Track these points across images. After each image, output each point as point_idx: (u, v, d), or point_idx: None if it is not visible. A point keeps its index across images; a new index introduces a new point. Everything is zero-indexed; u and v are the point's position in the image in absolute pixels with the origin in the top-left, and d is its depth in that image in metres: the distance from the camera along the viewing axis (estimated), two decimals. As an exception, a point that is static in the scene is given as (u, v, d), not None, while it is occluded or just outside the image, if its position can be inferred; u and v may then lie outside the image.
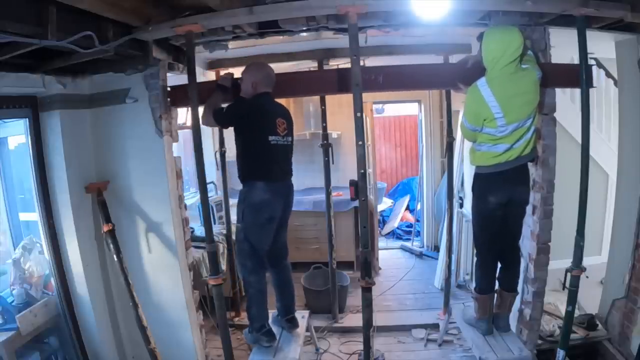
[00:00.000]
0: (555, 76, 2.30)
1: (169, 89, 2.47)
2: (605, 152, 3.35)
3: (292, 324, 2.70)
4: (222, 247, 3.39)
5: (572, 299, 2.16)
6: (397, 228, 6.31)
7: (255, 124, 2.37)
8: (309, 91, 3.04)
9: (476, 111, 2.18)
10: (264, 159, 2.39)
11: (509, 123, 2.13)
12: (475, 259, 2.60)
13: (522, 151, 2.21)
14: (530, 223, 2.46)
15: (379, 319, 3.13)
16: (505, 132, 2.15)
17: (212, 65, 3.31)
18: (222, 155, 3.41)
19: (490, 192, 2.29)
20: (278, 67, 4.12)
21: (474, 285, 2.51)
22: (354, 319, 3.52)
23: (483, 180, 2.33)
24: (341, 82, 2.39)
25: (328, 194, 3.44)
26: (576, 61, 2.10)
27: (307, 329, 2.94)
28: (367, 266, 2.03)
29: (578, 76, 2.06)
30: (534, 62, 2.22)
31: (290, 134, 2.50)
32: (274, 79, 2.45)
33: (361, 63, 2.07)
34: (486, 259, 2.46)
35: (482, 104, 2.14)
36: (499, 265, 2.48)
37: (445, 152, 3.54)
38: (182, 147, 4.07)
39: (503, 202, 2.29)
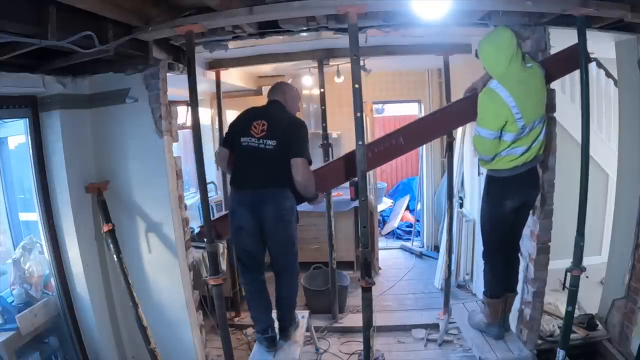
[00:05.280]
0: (558, 66, 2.26)
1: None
2: (605, 152, 3.35)
3: (281, 334, 2.52)
4: (222, 247, 3.39)
5: (572, 299, 2.15)
6: (397, 228, 6.31)
7: (234, 125, 2.40)
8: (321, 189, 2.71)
9: (495, 112, 2.09)
10: (236, 163, 2.34)
11: (527, 123, 2.09)
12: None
13: (537, 152, 2.20)
14: (530, 223, 2.46)
15: (379, 319, 3.12)
16: (524, 133, 2.11)
17: (212, 65, 3.31)
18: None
19: (508, 195, 2.24)
20: (278, 68, 4.14)
21: (483, 290, 2.46)
22: (354, 319, 3.52)
23: (500, 184, 2.26)
24: (348, 169, 2.39)
25: (328, 194, 3.44)
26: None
27: (307, 329, 2.94)
28: (367, 266, 2.03)
29: (577, 58, 2.03)
30: (535, 60, 2.21)
31: (272, 137, 2.27)
32: (280, 87, 2.50)
33: (361, 63, 2.07)
34: (495, 262, 2.41)
35: (501, 104, 2.06)
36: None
37: (445, 152, 3.55)
38: (182, 147, 4.06)
39: (517, 205, 2.26)
